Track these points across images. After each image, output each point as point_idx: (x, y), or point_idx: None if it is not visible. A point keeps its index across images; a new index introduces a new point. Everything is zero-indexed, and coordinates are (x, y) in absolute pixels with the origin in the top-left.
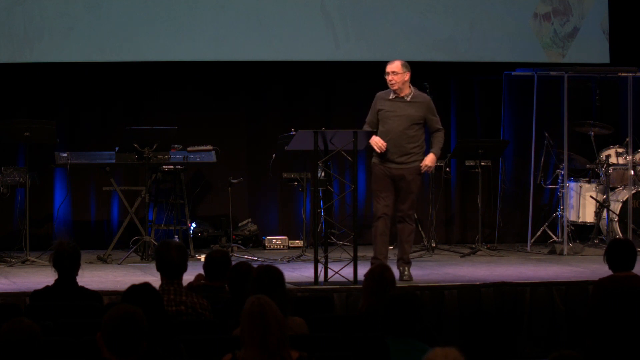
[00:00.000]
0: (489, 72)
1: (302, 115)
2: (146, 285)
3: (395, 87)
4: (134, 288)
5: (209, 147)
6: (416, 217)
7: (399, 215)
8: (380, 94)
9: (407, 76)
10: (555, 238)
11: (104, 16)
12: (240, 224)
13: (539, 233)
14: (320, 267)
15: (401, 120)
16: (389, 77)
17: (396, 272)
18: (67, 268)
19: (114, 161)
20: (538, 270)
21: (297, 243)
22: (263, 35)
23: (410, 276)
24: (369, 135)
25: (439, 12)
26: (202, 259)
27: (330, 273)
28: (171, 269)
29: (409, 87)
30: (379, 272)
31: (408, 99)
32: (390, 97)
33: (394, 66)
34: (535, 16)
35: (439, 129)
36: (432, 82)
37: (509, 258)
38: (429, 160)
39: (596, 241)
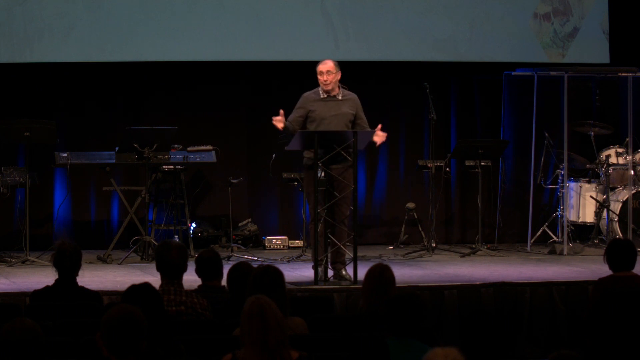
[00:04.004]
0: (489, 72)
1: None
2: (146, 285)
3: (329, 87)
4: (134, 288)
5: (209, 147)
6: (416, 217)
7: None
8: (307, 94)
9: (339, 75)
10: (555, 238)
11: (104, 16)
12: (240, 224)
13: (539, 233)
14: (320, 267)
15: (337, 119)
16: (323, 77)
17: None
18: (67, 268)
19: (114, 161)
20: (538, 270)
21: (297, 243)
22: (263, 35)
23: None
24: (370, 134)
25: (439, 12)
26: None
27: (330, 273)
28: (171, 269)
29: (339, 86)
30: (378, 271)
31: (340, 97)
32: (322, 97)
33: (329, 66)
34: (535, 16)
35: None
36: (432, 82)
37: (509, 258)
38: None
39: (596, 241)
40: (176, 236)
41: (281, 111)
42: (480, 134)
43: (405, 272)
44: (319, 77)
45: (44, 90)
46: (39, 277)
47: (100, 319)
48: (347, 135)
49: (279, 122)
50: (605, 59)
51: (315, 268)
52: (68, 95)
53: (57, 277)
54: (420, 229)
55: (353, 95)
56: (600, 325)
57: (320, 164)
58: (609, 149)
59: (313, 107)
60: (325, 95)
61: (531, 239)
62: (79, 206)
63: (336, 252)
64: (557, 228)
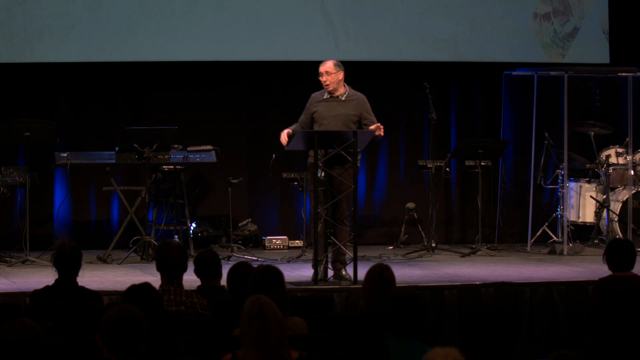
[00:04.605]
0: (489, 72)
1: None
2: (146, 285)
3: (330, 88)
4: (134, 288)
5: (209, 147)
6: (416, 217)
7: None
8: (314, 95)
9: (340, 75)
10: (555, 238)
11: (104, 16)
12: (240, 224)
13: (539, 233)
14: (320, 267)
15: (336, 119)
16: (322, 78)
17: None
18: (67, 268)
19: (114, 161)
20: (538, 270)
21: (297, 243)
22: (263, 35)
23: None
24: (370, 135)
25: (439, 12)
26: None
27: (330, 273)
28: (171, 269)
29: (344, 86)
30: (378, 271)
31: (342, 98)
32: (325, 97)
33: (327, 66)
34: (535, 16)
35: None
36: (432, 82)
37: (509, 258)
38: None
39: (596, 241)
40: (176, 236)
41: (288, 131)
42: (480, 134)
43: (405, 272)
44: (319, 78)
45: (44, 90)
46: (39, 277)
47: (100, 319)
48: (347, 135)
49: (284, 141)
50: (605, 59)
51: (315, 268)
52: (68, 95)
53: (57, 277)
54: (420, 229)
55: (359, 96)
56: (600, 325)
57: (320, 164)
58: (609, 149)
59: (317, 107)
60: (328, 96)
61: (531, 239)
62: (79, 206)
63: (336, 251)
64: (557, 228)
